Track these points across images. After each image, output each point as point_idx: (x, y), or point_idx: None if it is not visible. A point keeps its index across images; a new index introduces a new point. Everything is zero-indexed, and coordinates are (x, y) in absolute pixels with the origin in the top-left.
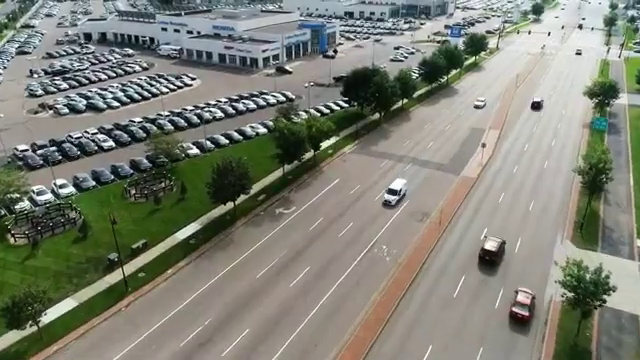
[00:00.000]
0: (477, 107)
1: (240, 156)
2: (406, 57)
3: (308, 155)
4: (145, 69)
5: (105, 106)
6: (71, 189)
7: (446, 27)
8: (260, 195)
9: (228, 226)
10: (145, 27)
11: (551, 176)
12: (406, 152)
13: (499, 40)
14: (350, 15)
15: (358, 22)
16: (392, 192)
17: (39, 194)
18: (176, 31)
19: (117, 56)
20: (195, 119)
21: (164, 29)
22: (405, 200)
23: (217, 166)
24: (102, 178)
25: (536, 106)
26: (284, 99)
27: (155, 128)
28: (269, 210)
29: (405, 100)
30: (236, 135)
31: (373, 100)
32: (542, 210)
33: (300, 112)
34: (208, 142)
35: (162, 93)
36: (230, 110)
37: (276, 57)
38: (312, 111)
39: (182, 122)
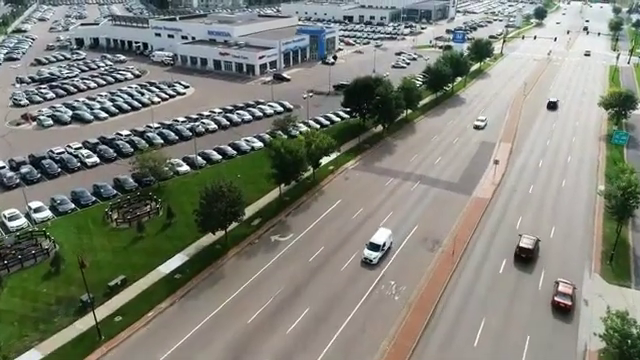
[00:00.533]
0: (477, 127)
1: (231, 180)
2: (408, 63)
3: (307, 173)
4: (137, 76)
5: (92, 117)
6: (47, 213)
7: (448, 32)
8: (255, 219)
9: (218, 257)
10: (138, 32)
11: (570, 197)
12: (413, 169)
13: (503, 45)
14: (349, 19)
15: (358, 26)
16: (374, 247)
17: (11, 219)
18: (170, 36)
19: (109, 62)
20: (187, 132)
21: (158, 34)
22: (415, 225)
23: (206, 191)
24: (82, 200)
25: (552, 106)
26: (281, 109)
27: (143, 142)
28: (264, 237)
29: (409, 111)
30: (230, 150)
31: (376, 112)
32: (565, 238)
33: (298, 124)
34: (199, 158)
35: (153, 103)
36: (224, 122)
37: (273, 64)
38: (311, 122)
39: (172, 135)
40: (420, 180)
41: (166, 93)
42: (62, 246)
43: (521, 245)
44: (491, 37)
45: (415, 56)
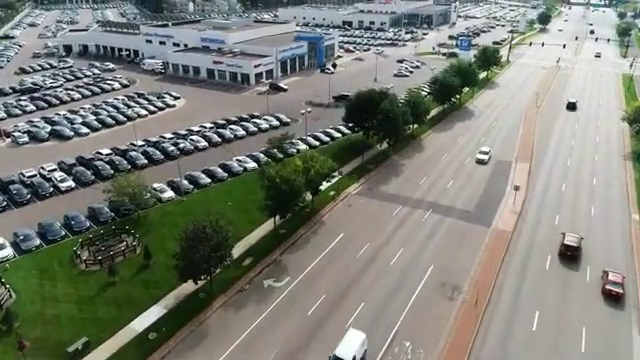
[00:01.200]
0: (480, 162)
1: (217, 217)
2: (411, 72)
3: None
4: (125, 86)
5: (72, 133)
6: (7, 251)
7: (450, 37)
8: (245, 259)
9: (202, 309)
10: (129, 39)
11: (602, 230)
12: (423, 194)
13: (509, 52)
14: (349, 25)
15: (357, 32)
16: None
17: None
18: (162, 44)
19: (96, 71)
20: (173, 150)
21: (149, 41)
22: (430, 265)
23: (186, 233)
24: (50, 234)
25: (571, 107)
26: (277, 124)
27: (125, 162)
28: (256, 282)
29: (416, 125)
30: (220, 172)
31: (381, 129)
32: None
33: (296, 141)
34: (185, 182)
35: (139, 116)
36: (215, 138)
37: (270, 73)
38: (310, 139)
39: (158, 154)
40: (432, 208)
41: (154, 105)
42: (19, 295)
43: (566, 243)
44: (495, 43)
45: (418, 64)
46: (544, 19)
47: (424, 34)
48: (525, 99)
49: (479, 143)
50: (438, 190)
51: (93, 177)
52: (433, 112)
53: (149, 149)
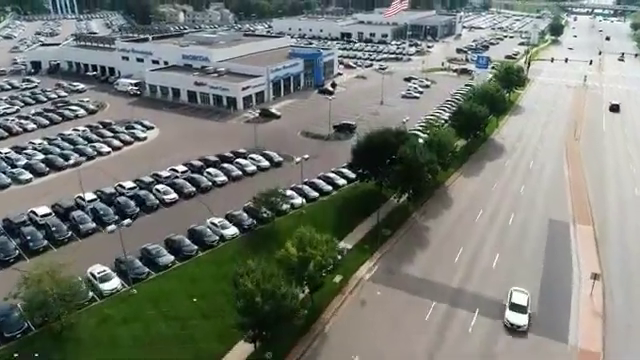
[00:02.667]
0: (517, 308)
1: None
2: (421, 92)
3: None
4: (92, 112)
5: (8, 181)
6: None
7: (459, 51)
8: None
9: None
10: (104, 55)
11: None
12: (461, 279)
13: (528, 69)
14: (348, 37)
15: (357, 45)
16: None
17: None
18: (139, 60)
19: (63, 93)
20: (131, 208)
21: (125, 58)
22: None
23: None
24: None
25: (615, 109)
26: (267, 164)
27: (65, 228)
28: None
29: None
30: (187, 244)
31: (400, 182)
32: None
33: (289, 192)
34: (137, 261)
35: (99, 154)
36: (188, 187)
37: (260, 95)
38: (306, 189)
39: (110, 213)
40: (478, 306)
41: (120, 139)
42: None
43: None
44: (508, 57)
45: (428, 82)
46: (556, 30)
47: (429, 47)
48: (560, 128)
49: (519, 194)
50: (481, 272)
51: (17, 251)
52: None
53: (100, 206)
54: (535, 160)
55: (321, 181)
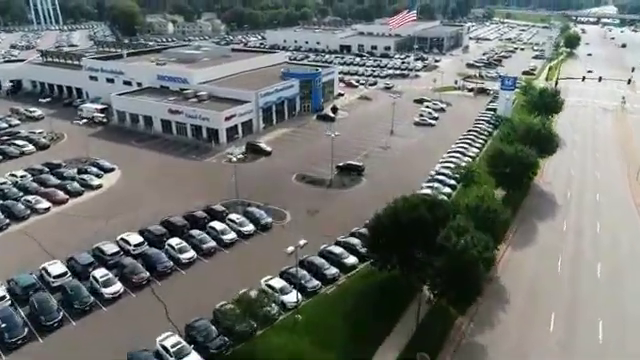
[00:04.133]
0: None
1: None
2: (436, 118)
3: None
4: (43, 147)
5: None
6: None
7: (469, 66)
8: None
9: None
10: (71, 75)
11: None
12: None
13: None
14: (347, 50)
15: (358, 59)
16: None
17: None
18: (109, 81)
19: (16, 121)
20: (53, 313)
21: (93, 78)
22: None
23: None
24: None
25: None
26: (251, 229)
27: None
28: None
29: None
30: None
31: (443, 283)
32: None
33: (279, 282)
34: None
35: (35, 211)
36: (140, 272)
37: (248, 124)
38: (304, 274)
39: (17, 324)
40: None
41: (67, 189)
42: None
43: None
44: (525, 74)
45: (442, 105)
46: (572, 42)
47: (436, 61)
48: (614, 167)
49: (596, 280)
50: None
51: None
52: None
53: (5, 312)
54: (601, 221)
55: (323, 260)
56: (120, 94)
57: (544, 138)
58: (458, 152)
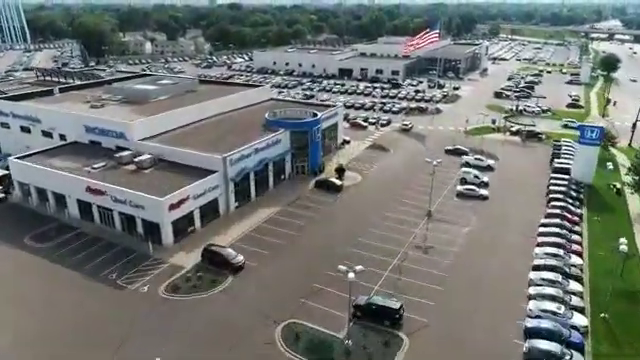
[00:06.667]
0: None
1: None
2: (486, 184)
3: None
4: None
5: None
6: None
7: (498, 95)
8: None
9: None
10: None
11: None
12: None
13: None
14: (348, 74)
15: (362, 86)
16: None
17: None
18: (25, 130)
19: None
20: None
21: (4, 125)
22: None
23: None
24: None
25: None
26: None
27: None
28: None
29: None
30: None
31: None
32: None
33: None
34: None
35: None
36: None
37: (211, 208)
38: None
39: None
40: None
41: None
42: None
43: None
44: (571, 106)
45: (489, 162)
46: (609, 65)
47: (455, 88)
48: None
49: None
50: None
51: None
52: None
53: None
54: None
55: None
56: (21, 157)
57: None
58: (552, 268)
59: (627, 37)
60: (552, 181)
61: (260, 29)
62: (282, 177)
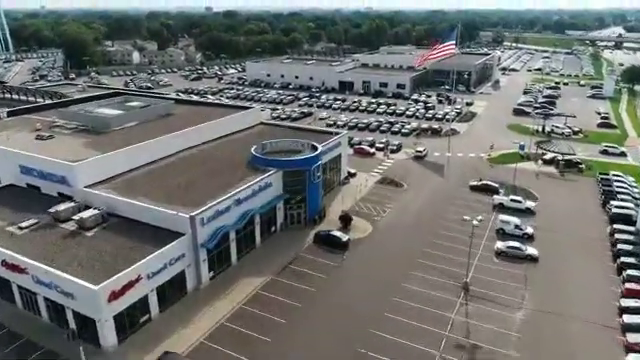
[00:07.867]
0: None
1: None
2: (530, 236)
3: None
4: None
5: None
6: None
7: (517, 112)
8: None
9: None
10: None
11: None
12: None
13: None
14: (349, 88)
15: (365, 102)
16: None
17: None
18: None
19: None
20: None
21: None
22: None
23: None
24: None
25: None
26: None
27: None
28: None
29: None
30: None
31: None
32: None
33: None
34: None
35: None
36: None
37: (178, 285)
38: None
39: None
40: None
41: None
42: None
43: None
44: (602, 126)
45: (528, 204)
46: (634, 76)
47: (468, 104)
48: None
49: None
50: None
51: None
52: None
53: None
54: None
55: None
56: None
57: None
58: None
59: (634, 45)
60: (617, 236)
61: (255, 38)
62: (273, 229)
